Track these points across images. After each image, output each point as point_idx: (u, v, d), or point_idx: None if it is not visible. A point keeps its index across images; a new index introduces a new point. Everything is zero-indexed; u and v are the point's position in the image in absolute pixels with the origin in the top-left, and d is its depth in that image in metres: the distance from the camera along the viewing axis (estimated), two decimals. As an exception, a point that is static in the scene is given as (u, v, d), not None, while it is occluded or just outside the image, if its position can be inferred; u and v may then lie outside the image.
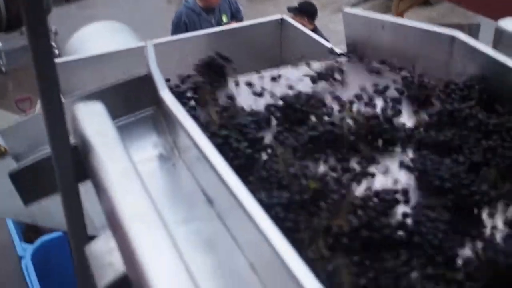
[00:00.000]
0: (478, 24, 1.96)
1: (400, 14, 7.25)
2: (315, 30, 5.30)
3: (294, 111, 1.28)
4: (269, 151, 1.15)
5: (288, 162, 1.06)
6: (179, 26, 5.40)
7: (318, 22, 5.66)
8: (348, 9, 1.72)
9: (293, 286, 0.72)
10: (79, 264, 1.03)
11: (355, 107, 1.35)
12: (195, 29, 5.13)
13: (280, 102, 1.32)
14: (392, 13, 7.34)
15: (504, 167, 1.10)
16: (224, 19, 5.44)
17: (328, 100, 1.39)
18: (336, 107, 1.36)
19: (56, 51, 6.44)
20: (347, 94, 1.43)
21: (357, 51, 1.68)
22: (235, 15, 5.49)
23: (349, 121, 1.23)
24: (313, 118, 1.27)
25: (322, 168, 1.10)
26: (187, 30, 5.24)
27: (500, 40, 1.50)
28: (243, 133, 1.14)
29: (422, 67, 1.50)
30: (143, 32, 6.58)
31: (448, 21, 9.17)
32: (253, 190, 0.90)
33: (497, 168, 1.10)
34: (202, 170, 1.03)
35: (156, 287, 0.65)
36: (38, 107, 3.41)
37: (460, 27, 1.67)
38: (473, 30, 1.92)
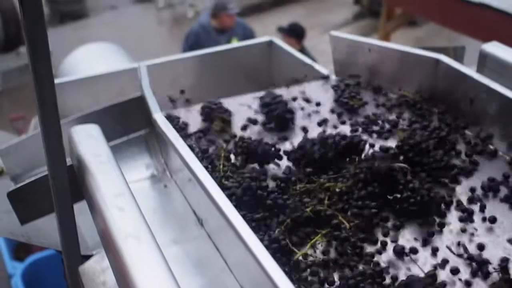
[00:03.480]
0: (463, 46, 1.99)
1: (387, 34, 7.33)
2: (303, 50, 5.38)
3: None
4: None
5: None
6: (187, 41, 5.53)
7: (307, 43, 5.75)
8: (335, 33, 1.75)
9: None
10: (72, 283, 1.05)
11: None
12: (203, 46, 5.23)
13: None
14: (379, 33, 7.43)
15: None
16: (234, 42, 5.53)
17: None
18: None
19: (51, 72, 6.52)
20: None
21: (344, 74, 1.72)
22: None
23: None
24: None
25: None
26: (196, 46, 5.35)
27: (484, 63, 1.54)
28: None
29: (407, 88, 1.55)
30: (135, 52, 6.61)
31: (433, 44, 9.30)
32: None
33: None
34: (193, 191, 1.06)
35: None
36: (32, 125, 3.43)
37: (445, 50, 1.71)
38: (458, 53, 1.94)
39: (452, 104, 1.45)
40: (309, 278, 1.00)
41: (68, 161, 0.98)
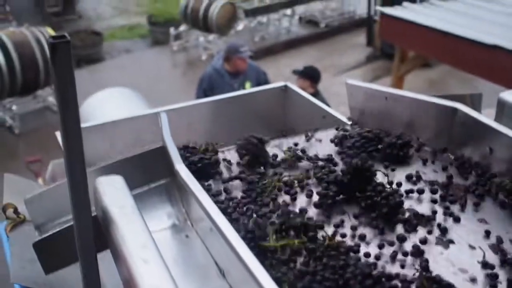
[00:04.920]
0: (480, 94, 2.01)
1: (401, 76, 7.38)
2: (317, 93, 5.43)
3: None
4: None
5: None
6: (201, 85, 5.62)
7: (320, 85, 5.80)
8: (351, 81, 1.78)
9: None
10: (94, 332, 1.05)
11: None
12: (216, 90, 5.35)
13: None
14: (393, 76, 7.48)
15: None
16: (247, 85, 5.61)
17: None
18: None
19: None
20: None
21: (361, 122, 1.74)
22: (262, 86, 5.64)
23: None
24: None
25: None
26: (209, 90, 5.45)
27: (503, 112, 1.55)
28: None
29: (425, 137, 1.56)
30: (150, 95, 6.71)
31: (447, 86, 9.34)
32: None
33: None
34: (214, 241, 1.07)
35: None
36: (50, 169, 3.47)
37: (462, 97, 1.72)
38: (475, 100, 1.96)
39: (470, 152, 1.46)
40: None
41: (93, 210, 0.99)
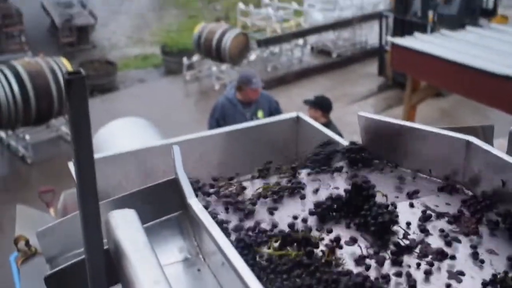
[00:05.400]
0: (492, 125, 2.01)
1: (413, 106, 7.38)
2: (329, 123, 5.43)
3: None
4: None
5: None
6: (213, 114, 5.68)
7: (332, 114, 5.81)
8: (362, 113, 1.78)
9: None
10: None
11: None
12: (229, 119, 5.40)
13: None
14: (405, 106, 7.48)
15: None
16: (259, 114, 5.66)
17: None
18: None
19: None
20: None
21: (373, 153, 1.73)
22: (274, 115, 5.67)
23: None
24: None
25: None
26: (222, 119, 5.51)
27: (515, 144, 1.54)
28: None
29: (437, 171, 1.55)
30: (163, 124, 6.74)
31: (459, 116, 9.33)
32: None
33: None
34: (227, 276, 1.06)
35: None
36: (62, 200, 3.49)
37: (474, 129, 1.72)
38: (487, 132, 1.96)
39: (483, 184, 1.45)
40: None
41: (105, 243, 1.00)
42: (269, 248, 1.20)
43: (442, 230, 1.33)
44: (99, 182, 1.86)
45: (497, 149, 1.45)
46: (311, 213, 1.38)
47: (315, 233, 1.30)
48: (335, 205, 1.38)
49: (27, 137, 8.41)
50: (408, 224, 1.35)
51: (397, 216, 1.33)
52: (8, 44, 13.01)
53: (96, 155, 2.00)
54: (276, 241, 1.21)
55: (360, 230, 1.33)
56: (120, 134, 3.25)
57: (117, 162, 1.85)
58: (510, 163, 1.35)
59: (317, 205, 1.38)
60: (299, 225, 1.34)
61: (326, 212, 1.37)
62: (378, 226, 1.28)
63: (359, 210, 1.35)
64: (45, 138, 8.78)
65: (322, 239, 1.27)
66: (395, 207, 1.36)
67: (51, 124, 8.77)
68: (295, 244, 1.21)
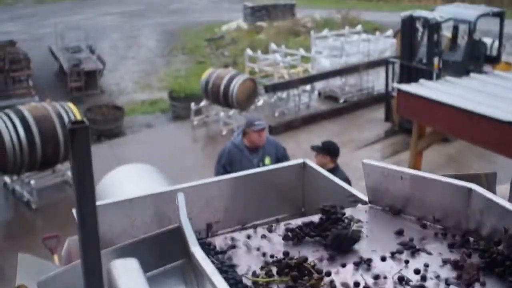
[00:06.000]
0: (495, 173, 2.01)
1: (419, 152, 7.39)
2: (336, 168, 5.43)
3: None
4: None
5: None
6: (220, 160, 5.68)
7: (339, 160, 5.82)
8: (367, 161, 1.79)
9: None
10: None
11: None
12: (235, 165, 5.40)
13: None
14: (411, 152, 7.49)
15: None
16: (267, 161, 5.65)
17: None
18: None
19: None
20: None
21: (378, 200, 1.74)
22: (281, 161, 5.68)
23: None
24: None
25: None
26: (228, 165, 5.51)
27: (516, 191, 1.54)
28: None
29: (441, 218, 1.55)
30: (170, 170, 6.75)
31: (465, 161, 9.32)
32: None
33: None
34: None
35: None
36: (65, 246, 3.48)
37: (477, 177, 1.73)
38: (490, 180, 1.96)
39: (486, 232, 1.45)
40: None
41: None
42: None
43: (443, 278, 1.33)
44: (104, 229, 1.87)
45: (499, 196, 1.45)
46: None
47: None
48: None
49: (32, 182, 8.37)
50: (409, 269, 1.34)
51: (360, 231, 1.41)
52: (15, 89, 13.14)
53: (101, 202, 2.01)
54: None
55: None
56: (125, 181, 3.26)
57: (123, 209, 1.85)
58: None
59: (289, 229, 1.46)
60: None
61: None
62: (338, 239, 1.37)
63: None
64: (51, 183, 8.76)
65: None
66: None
67: (57, 169, 8.73)
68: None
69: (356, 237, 1.42)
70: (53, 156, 8.17)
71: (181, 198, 1.46)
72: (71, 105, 8.62)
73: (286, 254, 1.36)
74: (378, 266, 1.37)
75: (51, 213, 7.74)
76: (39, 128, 7.96)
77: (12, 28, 21.81)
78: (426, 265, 1.38)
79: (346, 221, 1.47)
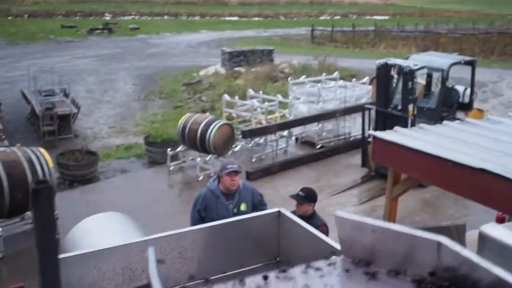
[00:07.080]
0: (464, 224, 2.06)
1: (395, 198, 7.42)
2: (313, 213, 5.43)
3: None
4: None
5: None
6: (195, 205, 5.67)
7: (316, 205, 5.82)
8: (340, 212, 1.80)
9: None
10: None
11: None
12: (211, 211, 5.37)
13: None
14: (386, 198, 7.52)
15: None
16: (243, 207, 5.62)
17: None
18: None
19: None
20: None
21: (350, 252, 1.74)
22: (257, 208, 5.64)
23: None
24: None
25: None
26: (203, 211, 5.48)
27: (484, 244, 1.56)
28: None
29: (411, 270, 1.56)
30: (144, 216, 6.62)
31: (441, 206, 9.39)
32: None
33: None
34: None
35: None
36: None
37: (447, 229, 1.75)
38: (459, 231, 2.00)
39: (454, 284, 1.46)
40: None
41: None
42: None
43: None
44: (73, 281, 1.83)
45: (470, 242, 1.47)
46: None
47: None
48: None
49: (-1, 230, 7.92)
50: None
51: None
52: (-17, 133, 12.72)
53: (71, 253, 1.98)
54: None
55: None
56: (96, 231, 3.22)
57: (92, 260, 1.83)
58: (479, 264, 1.37)
59: None
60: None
61: None
62: None
63: None
64: (19, 231, 8.31)
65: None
66: None
67: (26, 216, 8.23)
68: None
69: None
70: (22, 203, 7.61)
71: (151, 253, 1.44)
72: (42, 150, 8.22)
73: None
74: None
75: (20, 262, 7.37)
76: (7, 173, 7.52)
77: (-18, 70, 21.69)
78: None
79: None
